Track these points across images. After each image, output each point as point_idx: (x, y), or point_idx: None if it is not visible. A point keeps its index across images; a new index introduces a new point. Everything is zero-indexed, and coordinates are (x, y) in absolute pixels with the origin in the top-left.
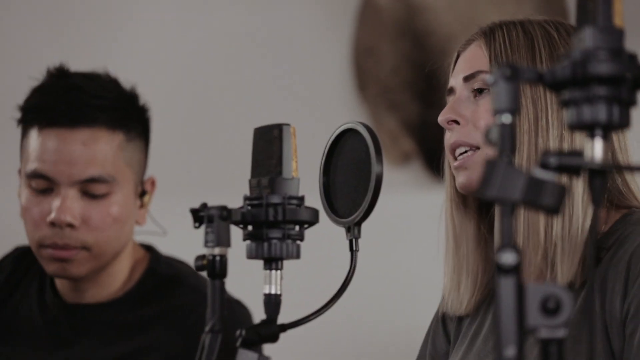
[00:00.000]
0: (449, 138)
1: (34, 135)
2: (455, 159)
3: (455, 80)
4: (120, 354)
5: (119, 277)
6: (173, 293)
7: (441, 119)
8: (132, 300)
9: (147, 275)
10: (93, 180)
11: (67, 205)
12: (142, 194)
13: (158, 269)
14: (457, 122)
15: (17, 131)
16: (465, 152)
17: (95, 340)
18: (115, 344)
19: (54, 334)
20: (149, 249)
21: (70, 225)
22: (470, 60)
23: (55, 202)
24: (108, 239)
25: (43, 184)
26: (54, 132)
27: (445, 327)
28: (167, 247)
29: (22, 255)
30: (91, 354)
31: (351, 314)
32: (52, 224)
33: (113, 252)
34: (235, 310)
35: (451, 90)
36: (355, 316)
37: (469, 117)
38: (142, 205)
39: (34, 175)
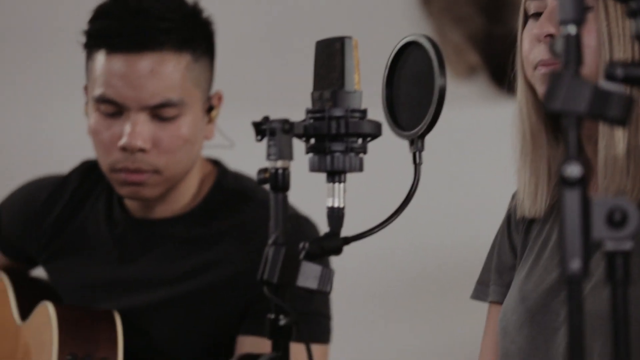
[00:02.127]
0: (539, 54)
1: (100, 60)
2: (535, 68)
3: None
4: (188, 269)
5: (187, 193)
6: (241, 208)
7: (537, 32)
8: (200, 215)
9: (214, 190)
10: (162, 105)
11: (138, 130)
12: (210, 109)
13: (226, 184)
14: (552, 37)
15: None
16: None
17: (162, 255)
18: (182, 258)
19: (122, 249)
20: (216, 163)
21: (142, 150)
22: None
23: (126, 127)
24: (179, 161)
25: (112, 108)
26: (121, 57)
27: (511, 241)
28: (234, 160)
29: (89, 169)
30: (158, 269)
31: (414, 228)
32: (123, 149)
33: (184, 172)
34: (303, 225)
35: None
36: (418, 230)
37: None
38: (209, 121)
39: (102, 100)
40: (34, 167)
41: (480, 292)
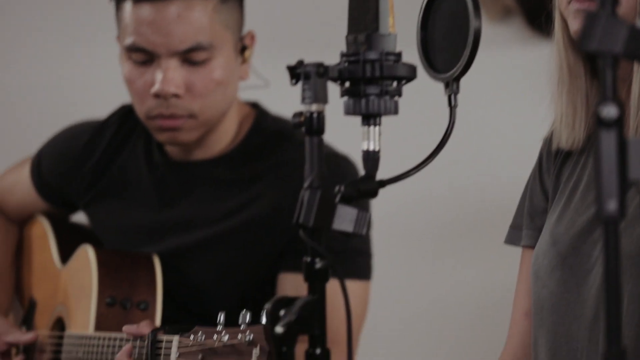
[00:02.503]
0: None
1: (128, 9)
2: (569, 2)
3: None
4: (227, 210)
5: (226, 135)
6: (280, 148)
7: None
8: (239, 156)
9: (253, 131)
10: (192, 49)
11: (170, 76)
12: (243, 49)
13: (265, 125)
14: None
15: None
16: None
17: (202, 196)
18: (222, 199)
19: (162, 192)
20: (254, 105)
21: (175, 95)
22: None
23: (158, 74)
24: (214, 104)
25: (143, 56)
26: (148, 4)
27: (543, 184)
28: (270, 102)
29: (128, 113)
30: (198, 211)
31: (449, 170)
32: (157, 95)
33: (220, 114)
34: (342, 165)
35: None
36: (453, 173)
37: None
38: (243, 61)
39: (133, 48)
40: (69, 114)
41: (513, 237)
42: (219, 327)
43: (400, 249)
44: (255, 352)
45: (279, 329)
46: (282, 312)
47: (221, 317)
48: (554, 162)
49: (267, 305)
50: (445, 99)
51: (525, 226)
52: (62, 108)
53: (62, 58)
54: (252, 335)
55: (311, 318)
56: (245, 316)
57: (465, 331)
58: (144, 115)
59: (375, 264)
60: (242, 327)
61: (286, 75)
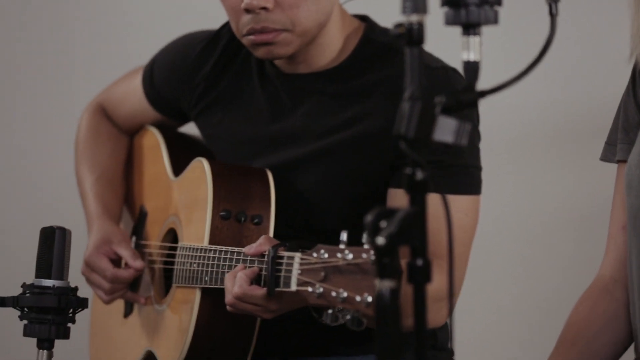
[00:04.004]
0: None
1: None
2: None
3: None
4: (337, 122)
5: (331, 47)
6: (390, 61)
7: None
8: (349, 68)
9: (362, 44)
10: None
11: None
12: None
13: (374, 38)
14: None
15: None
16: None
17: (312, 109)
18: (331, 112)
19: (273, 104)
20: (363, 18)
21: (264, 9)
22: None
23: None
24: (307, 14)
25: None
26: None
27: (636, 98)
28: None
29: None
30: (310, 123)
31: (549, 81)
32: (247, 10)
33: (317, 25)
34: (451, 77)
35: None
36: (553, 84)
37: None
38: None
39: None
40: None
41: (608, 153)
42: (342, 246)
43: (499, 162)
44: None
45: (379, 240)
46: (383, 224)
47: (344, 236)
48: None
49: (368, 217)
50: (546, 7)
51: (619, 140)
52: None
53: None
54: None
55: (412, 229)
56: (343, 235)
57: (566, 244)
58: (239, 33)
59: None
60: (365, 246)
61: None
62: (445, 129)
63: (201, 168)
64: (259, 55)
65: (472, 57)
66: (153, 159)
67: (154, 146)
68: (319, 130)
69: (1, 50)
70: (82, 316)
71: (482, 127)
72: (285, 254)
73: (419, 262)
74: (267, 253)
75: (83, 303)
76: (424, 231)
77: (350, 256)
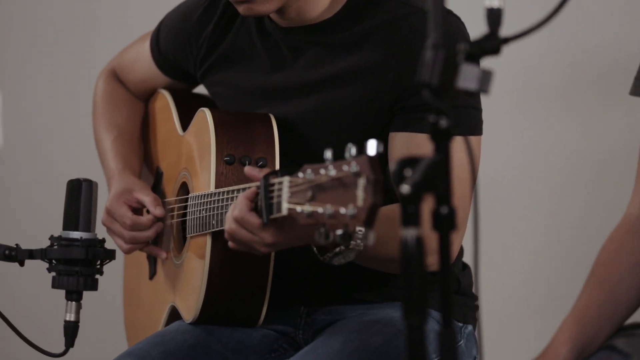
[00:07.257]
0: None
1: None
2: None
3: None
4: (333, 73)
5: (321, 0)
6: (382, 8)
7: None
8: (343, 19)
9: None
10: None
11: None
12: None
13: None
14: None
15: None
16: None
17: (312, 59)
18: (328, 63)
19: (274, 57)
20: None
21: None
22: None
23: None
24: None
25: None
26: None
27: None
28: None
29: None
30: (306, 74)
31: (572, 27)
32: None
33: None
34: (460, 23)
35: None
36: (576, 30)
37: None
38: None
39: None
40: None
41: (638, 88)
42: (326, 162)
43: (520, 106)
44: (362, 182)
45: (404, 188)
46: (407, 172)
47: (328, 154)
48: None
49: (393, 165)
50: None
51: None
52: None
53: None
54: (357, 167)
55: (437, 177)
56: (351, 149)
57: (594, 184)
58: None
59: (497, 121)
60: (346, 159)
61: None
62: (469, 77)
63: (204, 117)
64: (242, 13)
65: (496, 3)
66: (164, 119)
67: (165, 107)
68: (320, 80)
69: (29, 13)
70: (109, 268)
71: (511, 74)
72: (276, 180)
73: (444, 209)
74: (260, 181)
75: (111, 255)
76: (449, 179)
77: (334, 172)
